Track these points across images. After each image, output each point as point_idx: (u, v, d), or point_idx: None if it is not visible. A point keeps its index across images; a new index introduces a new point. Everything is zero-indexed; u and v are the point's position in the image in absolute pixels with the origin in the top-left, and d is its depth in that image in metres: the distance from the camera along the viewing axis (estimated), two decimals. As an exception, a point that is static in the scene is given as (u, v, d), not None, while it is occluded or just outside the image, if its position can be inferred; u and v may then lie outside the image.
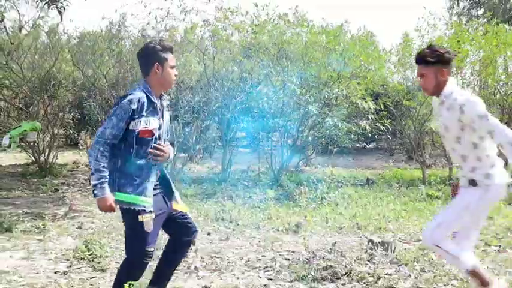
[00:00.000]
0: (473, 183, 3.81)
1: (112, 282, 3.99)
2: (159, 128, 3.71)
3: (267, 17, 11.43)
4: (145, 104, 3.60)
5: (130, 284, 3.65)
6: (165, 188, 3.89)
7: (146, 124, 3.60)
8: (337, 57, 10.94)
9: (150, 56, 3.70)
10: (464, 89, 12.40)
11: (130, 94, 3.61)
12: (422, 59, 3.84)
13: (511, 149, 3.58)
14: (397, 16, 62.57)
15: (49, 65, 12.95)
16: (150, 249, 3.69)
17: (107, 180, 3.53)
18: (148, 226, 3.62)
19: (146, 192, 3.63)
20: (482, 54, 11.68)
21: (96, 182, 3.51)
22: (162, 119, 3.77)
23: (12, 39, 14.01)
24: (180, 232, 3.96)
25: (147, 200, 3.62)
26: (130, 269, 3.74)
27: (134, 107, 3.54)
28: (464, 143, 3.80)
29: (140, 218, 3.59)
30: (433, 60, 3.78)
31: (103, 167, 3.51)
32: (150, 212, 3.63)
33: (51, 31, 15.53)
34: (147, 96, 3.63)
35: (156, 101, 3.68)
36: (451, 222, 3.89)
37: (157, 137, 3.68)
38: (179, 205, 3.95)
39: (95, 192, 3.53)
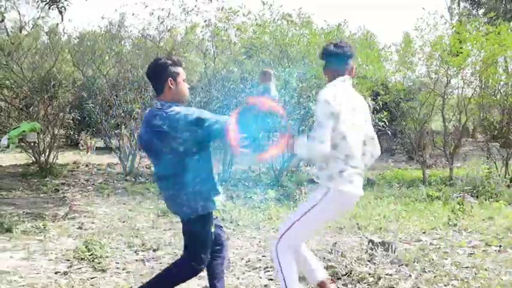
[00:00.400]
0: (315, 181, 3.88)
1: (111, 282, 3.97)
2: None
3: (271, 16, 11.44)
4: None
5: None
6: None
7: None
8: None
9: (162, 73, 3.67)
10: (464, 88, 12.43)
11: (175, 111, 3.58)
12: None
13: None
14: (398, 16, 62.68)
15: (49, 65, 12.97)
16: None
17: None
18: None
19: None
20: (484, 55, 11.68)
21: None
22: None
23: (13, 39, 14.04)
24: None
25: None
26: (187, 272, 3.77)
27: None
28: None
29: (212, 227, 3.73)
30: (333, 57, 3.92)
31: None
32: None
33: (52, 31, 15.54)
34: None
35: None
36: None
37: None
38: None
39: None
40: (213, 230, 3.73)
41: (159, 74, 3.68)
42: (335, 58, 3.89)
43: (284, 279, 3.78)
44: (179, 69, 3.71)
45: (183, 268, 3.74)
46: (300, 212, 3.79)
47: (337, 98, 3.66)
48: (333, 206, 3.76)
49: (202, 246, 3.69)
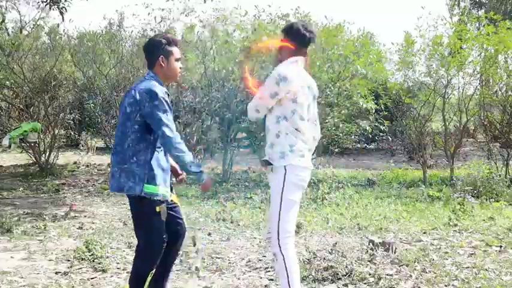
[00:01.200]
0: (268, 162, 3.90)
1: (112, 283, 3.98)
2: None
3: (270, 17, 11.43)
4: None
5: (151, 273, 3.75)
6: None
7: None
8: (337, 57, 10.94)
9: (155, 50, 3.77)
10: (465, 88, 12.43)
11: (152, 86, 3.66)
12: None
13: None
14: (397, 19, 62.69)
15: (50, 66, 12.97)
16: (165, 237, 3.77)
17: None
18: (164, 215, 3.72)
19: (167, 182, 3.75)
20: (484, 54, 11.66)
21: (197, 169, 3.72)
22: None
23: (13, 39, 14.03)
24: (170, 228, 3.91)
25: (167, 190, 3.74)
26: (152, 258, 3.76)
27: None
28: (271, 115, 3.90)
29: (157, 208, 3.67)
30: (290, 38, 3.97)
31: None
32: (166, 201, 3.75)
33: (52, 32, 15.55)
34: (161, 85, 3.75)
35: (167, 92, 3.77)
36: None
37: None
38: (173, 196, 3.97)
39: (202, 178, 3.73)
40: (163, 218, 3.72)
41: (152, 50, 3.80)
42: (301, 38, 3.96)
43: (288, 275, 3.77)
44: (174, 49, 3.81)
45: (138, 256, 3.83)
46: (276, 203, 3.86)
47: (292, 77, 3.81)
48: (296, 181, 3.83)
49: (150, 229, 3.73)
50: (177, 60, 3.82)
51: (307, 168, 3.90)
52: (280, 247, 3.81)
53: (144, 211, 3.71)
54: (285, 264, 3.79)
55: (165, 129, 3.58)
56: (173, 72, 3.83)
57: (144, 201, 3.66)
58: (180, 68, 3.88)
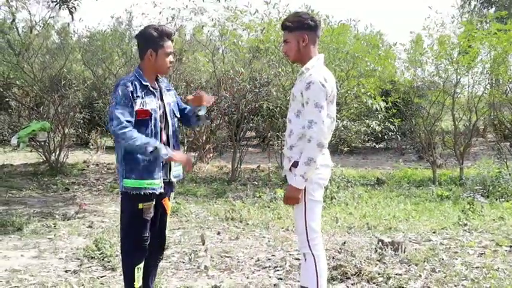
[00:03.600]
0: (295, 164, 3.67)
1: (121, 281, 3.99)
2: (159, 109, 3.72)
3: (278, 15, 11.42)
4: (138, 86, 3.61)
5: (138, 268, 3.70)
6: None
7: (142, 105, 3.59)
8: (344, 56, 10.92)
9: (145, 42, 3.70)
10: (474, 87, 12.35)
11: (120, 80, 3.66)
12: (284, 24, 3.75)
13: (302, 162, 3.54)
14: (405, 18, 62.42)
15: (60, 65, 13.03)
16: (146, 235, 3.72)
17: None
18: (148, 214, 3.67)
19: (152, 175, 3.63)
20: (494, 53, 11.60)
21: (153, 147, 3.52)
22: (162, 100, 3.77)
23: (24, 39, 14.11)
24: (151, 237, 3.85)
25: (154, 182, 3.65)
26: (133, 254, 3.73)
27: (130, 89, 3.56)
28: (299, 119, 3.68)
29: (140, 205, 3.61)
30: (294, 25, 3.69)
31: (145, 136, 3.55)
32: (151, 199, 3.66)
33: (62, 31, 15.61)
34: (137, 79, 3.64)
35: (147, 83, 3.67)
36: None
37: (156, 117, 3.67)
38: (167, 202, 3.91)
39: (163, 153, 3.57)
40: (149, 215, 3.69)
41: (142, 42, 3.72)
42: (315, 31, 3.74)
43: (317, 276, 3.69)
44: (165, 43, 3.70)
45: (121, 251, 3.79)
46: (300, 203, 3.69)
47: (328, 79, 3.63)
48: (317, 180, 3.72)
49: (128, 226, 3.70)
50: (167, 54, 3.71)
51: (327, 165, 3.82)
52: (310, 248, 3.70)
53: (126, 207, 3.69)
54: (315, 264, 3.69)
55: (110, 123, 3.52)
56: (161, 67, 3.72)
57: (126, 196, 3.64)
58: (171, 62, 3.76)
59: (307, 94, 3.54)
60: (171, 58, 3.75)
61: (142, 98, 3.60)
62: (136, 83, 3.61)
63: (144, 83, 3.65)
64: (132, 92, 3.55)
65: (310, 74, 3.59)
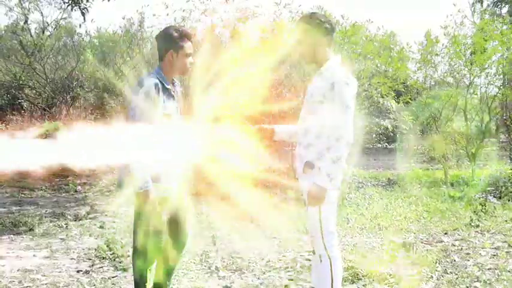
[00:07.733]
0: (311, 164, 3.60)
1: (132, 282, 3.99)
2: (176, 112, 3.74)
3: (290, 15, 11.39)
4: (161, 89, 3.60)
5: (149, 269, 3.69)
6: None
7: (164, 109, 3.61)
8: (356, 56, 10.88)
9: (165, 43, 3.70)
10: (487, 87, 12.27)
11: (145, 80, 3.61)
12: (300, 26, 3.68)
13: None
14: (419, 17, 62.10)
15: (71, 66, 13.10)
16: (160, 237, 3.72)
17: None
18: (162, 214, 3.68)
19: (167, 179, 3.66)
20: (509, 53, 11.50)
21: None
22: (177, 103, 3.79)
23: (36, 40, 14.21)
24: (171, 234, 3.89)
25: (169, 187, 3.67)
26: (145, 257, 3.71)
27: (154, 94, 3.54)
28: (318, 118, 3.59)
29: (154, 206, 3.60)
30: (310, 28, 3.62)
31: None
32: (166, 200, 3.68)
33: (74, 32, 15.69)
34: (160, 82, 3.63)
35: (169, 86, 3.69)
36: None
37: (173, 121, 3.68)
38: (180, 199, 3.91)
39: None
40: (164, 216, 3.69)
41: (163, 43, 3.72)
42: (331, 33, 3.70)
43: (333, 278, 3.63)
44: (186, 44, 3.70)
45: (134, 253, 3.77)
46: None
47: (350, 79, 3.59)
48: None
49: (141, 226, 3.66)
50: (187, 55, 3.70)
51: (344, 168, 3.70)
52: (326, 249, 3.65)
53: (140, 208, 3.65)
54: (331, 266, 3.64)
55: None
56: (181, 68, 3.72)
57: (140, 197, 3.59)
58: (191, 63, 3.75)
59: (331, 94, 3.51)
60: (191, 59, 3.76)
61: (164, 102, 3.61)
62: (159, 86, 3.60)
63: (166, 86, 3.66)
64: (154, 98, 3.53)
65: (332, 74, 3.56)
